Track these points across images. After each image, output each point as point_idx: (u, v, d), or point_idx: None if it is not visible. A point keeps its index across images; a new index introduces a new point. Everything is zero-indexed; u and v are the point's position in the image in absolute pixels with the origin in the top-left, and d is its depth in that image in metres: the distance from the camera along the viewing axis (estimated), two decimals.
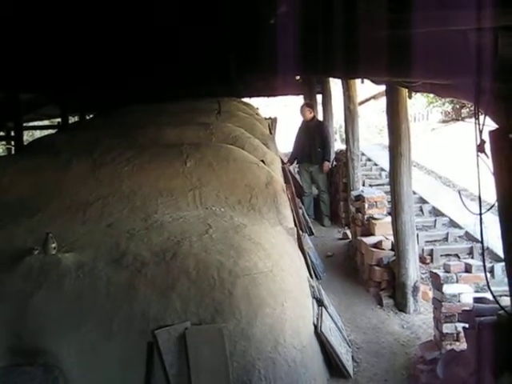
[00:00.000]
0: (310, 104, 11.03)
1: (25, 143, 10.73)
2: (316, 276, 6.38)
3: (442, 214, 8.53)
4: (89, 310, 3.79)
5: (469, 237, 7.61)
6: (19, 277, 3.95)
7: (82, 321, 3.76)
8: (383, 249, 6.39)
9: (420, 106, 20.03)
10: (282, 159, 8.56)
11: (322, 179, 9.78)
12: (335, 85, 12.15)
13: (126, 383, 3.69)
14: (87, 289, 3.87)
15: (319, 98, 13.01)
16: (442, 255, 7.18)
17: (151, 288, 3.85)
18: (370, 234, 6.86)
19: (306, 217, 8.87)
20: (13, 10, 3.59)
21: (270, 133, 9.70)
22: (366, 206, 7.09)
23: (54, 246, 4.13)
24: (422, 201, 9.17)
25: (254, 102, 14.29)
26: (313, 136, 9.80)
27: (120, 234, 4.48)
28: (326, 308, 4.85)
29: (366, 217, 7.07)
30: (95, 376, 3.68)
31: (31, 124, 15.24)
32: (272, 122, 11.98)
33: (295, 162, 10.31)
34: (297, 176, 10.55)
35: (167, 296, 3.82)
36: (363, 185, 9.32)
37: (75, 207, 5.16)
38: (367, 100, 13.91)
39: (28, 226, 4.77)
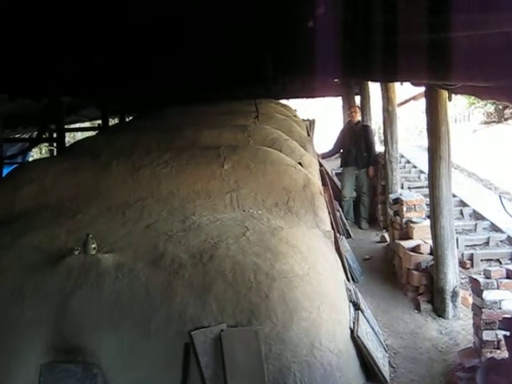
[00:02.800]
0: (358, 106, 11.03)
1: (66, 145, 10.97)
2: (353, 279, 6.34)
3: (483, 218, 8.35)
4: (127, 309, 3.85)
5: (511, 241, 7.44)
6: (60, 276, 4.04)
7: (120, 320, 3.81)
8: (421, 253, 6.29)
9: (461, 107, 19.69)
10: (319, 161, 8.52)
11: (367, 183, 9.74)
12: (373, 86, 12.04)
13: (163, 383, 3.72)
14: (126, 289, 3.93)
15: (357, 99, 12.95)
16: (482, 260, 7.03)
17: (188, 289, 3.89)
18: (408, 237, 6.76)
19: (344, 219, 8.82)
20: (55, 20, 3.68)
21: (308, 135, 9.67)
22: (405, 209, 7.00)
23: (94, 246, 4.21)
24: (463, 204, 9.00)
25: (293, 103, 14.28)
26: (359, 140, 9.77)
27: (158, 236, 4.54)
28: (362, 312, 4.80)
29: (404, 220, 6.98)
30: (132, 375, 3.74)
31: (72, 126, 15.53)
32: (310, 124, 11.95)
33: (342, 164, 10.27)
34: (335, 178, 10.51)
35: (204, 298, 3.85)
36: (402, 187, 9.21)
37: (115, 208, 5.24)
38: (406, 101, 13.72)
39: (69, 226, 4.87)
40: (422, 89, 6.73)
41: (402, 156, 11.33)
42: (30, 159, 13.97)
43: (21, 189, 5.72)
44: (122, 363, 3.76)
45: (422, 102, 8.40)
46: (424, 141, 9.29)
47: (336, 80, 12.57)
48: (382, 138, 9.86)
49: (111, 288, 3.95)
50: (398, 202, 7.29)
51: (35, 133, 14.03)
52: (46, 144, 16.40)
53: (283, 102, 13.12)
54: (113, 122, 14.77)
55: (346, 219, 9.20)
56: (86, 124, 16.53)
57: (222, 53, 6.25)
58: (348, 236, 8.43)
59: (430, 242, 6.16)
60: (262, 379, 3.68)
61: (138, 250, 4.31)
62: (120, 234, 4.67)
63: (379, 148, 10.25)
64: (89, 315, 3.86)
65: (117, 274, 4.02)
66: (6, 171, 8.40)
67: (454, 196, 7.37)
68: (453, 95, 5.59)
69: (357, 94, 12.97)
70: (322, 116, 19.01)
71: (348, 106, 12.77)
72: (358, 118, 10.22)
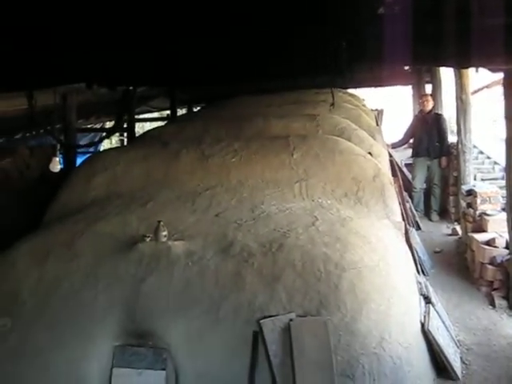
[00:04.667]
0: (431, 95, 10.78)
1: (136, 135, 11.23)
2: (423, 272, 6.20)
3: None
4: (197, 296, 3.88)
5: None
6: (132, 262, 4.13)
7: (189, 307, 3.85)
8: (496, 246, 6.07)
9: None
10: (389, 152, 8.37)
11: (439, 174, 9.50)
12: (445, 74, 11.71)
13: (231, 370, 3.73)
14: (196, 276, 3.97)
15: (427, 88, 12.65)
16: None
17: (257, 278, 3.89)
18: (482, 230, 6.54)
19: (414, 211, 8.64)
20: (132, 10, 3.75)
21: (377, 125, 9.51)
22: (479, 201, 6.78)
23: (164, 233, 4.27)
24: None
25: (360, 93, 14.08)
26: (431, 129, 9.54)
27: (228, 224, 4.57)
28: (433, 305, 4.68)
29: (477, 212, 6.76)
30: (201, 361, 3.77)
31: (142, 116, 15.85)
32: (378, 114, 11.77)
33: (413, 154, 10.04)
34: (404, 169, 10.31)
35: (273, 287, 3.84)
36: (475, 179, 8.94)
37: (184, 197, 5.31)
38: (479, 90, 13.25)
39: (140, 213, 4.96)
40: (496, 77, 6.48)
41: (474, 146, 10.97)
42: (101, 149, 14.37)
43: (94, 177, 5.89)
44: (191, 349, 3.80)
45: (496, 90, 8.10)
46: (498, 131, 8.95)
47: (407, 68, 12.29)
48: (454, 127, 9.59)
49: (181, 275, 4.00)
50: (471, 193, 7.07)
51: (107, 123, 14.46)
52: (117, 134, 16.82)
53: (351, 91, 12.92)
54: (181, 112, 14.99)
55: (416, 211, 9.01)
56: (155, 114, 16.83)
57: (291, 42, 6.19)
58: (418, 228, 8.25)
59: (506, 235, 5.94)
60: (330, 370, 3.65)
61: (207, 238, 4.34)
62: (190, 222, 4.72)
63: (451, 138, 9.95)
64: (159, 301, 3.92)
65: (187, 262, 4.06)
66: (78, 161, 8.67)
67: None
68: None
69: (427, 83, 12.66)
70: (389, 105, 18.60)
71: (418, 94, 12.47)
72: (430, 106, 9.94)
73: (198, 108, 14.20)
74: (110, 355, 3.82)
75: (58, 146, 7.45)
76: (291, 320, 3.73)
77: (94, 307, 3.96)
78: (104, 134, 11.48)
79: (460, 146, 8.29)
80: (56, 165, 6.81)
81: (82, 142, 11.10)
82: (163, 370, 3.78)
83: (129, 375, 3.78)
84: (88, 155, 8.45)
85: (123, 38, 4.31)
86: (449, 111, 11.41)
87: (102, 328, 3.89)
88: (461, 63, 5.32)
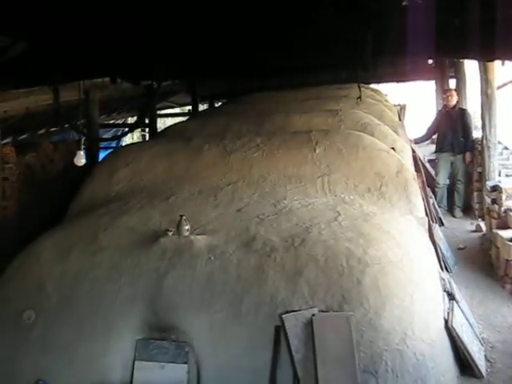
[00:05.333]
0: (455, 89, 10.67)
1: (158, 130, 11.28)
2: (446, 269, 6.15)
3: None
4: (219, 291, 3.89)
5: None
6: (155, 256, 4.15)
7: (212, 301, 3.86)
8: None
9: None
10: (412, 147, 8.29)
11: (463, 170, 9.41)
12: (469, 68, 11.57)
13: (253, 364, 3.73)
14: (218, 271, 3.98)
15: (451, 83, 12.52)
16: None
17: (280, 273, 3.89)
18: (508, 227, 6.46)
19: (437, 207, 8.57)
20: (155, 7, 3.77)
21: (400, 120, 9.42)
22: (504, 197, 6.69)
23: (187, 228, 4.28)
24: None
25: (383, 88, 13.99)
26: (455, 124, 9.44)
27: (250, 219, 4.56)
28: (457, 302, 4.63)
29: (502, 209, 6.67)
30: (223, 354, 3.78)
31: (163, 112, 15.93)
32: (401, 109, 11.67)
33: (436, 150, 9.95)
34: (427, 165, 10.22)
35: (295, 281, 3.83)
36: (499, 175, 8.82)
37: (207, 191, 5.32)
38: (505, 84, 13.07)
39: (162, 208, 4.98)
40: None
41: (499, 142, 10.82)
42: (123, 144, 14.48)
43: (117, 172, 5.93)
44: (213, 343, 3.81)
45: None
46: None
47: (431, 62, 12.17)
48: (478, 123, 9.47)
49: (203, 269, 4.01)
50: (496, 189, 6.98)
51: (129, 118, 14.57)
52: (138, 129, 16.94)
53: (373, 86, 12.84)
54: (202, 107, 15.02)
55: (439, 207, 8.93)
56: (177, 110, 16.90)
57: (314, 36, 6.15)
58: (441, 224, 8.18)
59: None
60: (352, 366, 3.63)
61: (229, 233, 4.35)
62: (212, 217, 4.72)
63: (475, 133, 9.83)
64: (182, 295, 3.94)
65: (209, 256, 4.07)
66: (101, 156, 8.75)
67: None
68: None
69: (451, 77, 12.52)
70: (412, 101, 18.44)
71: (442, 89, 12.35)
72: (455, 101, 9.83)
73: (219, 103, 14.22)
74: (132, 348, 3.86)
75: (83, 140, 7.53)
76: (313, 315, 3.72)
77: (117, 301, 3.99)
78: (126, 129, 11.58)
79: (484, 141, 8.18)
80: (80, 158, 6.88)
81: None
82: (185, 363, 3.80)
83: (151, 368, 3.82)
84: (110, 150, 8.50)
85: (146, 34, 4.34)
86: (473, 106, 11.29)
87: (124, 321, 3.92)
88: (485, 55, 5.26)
